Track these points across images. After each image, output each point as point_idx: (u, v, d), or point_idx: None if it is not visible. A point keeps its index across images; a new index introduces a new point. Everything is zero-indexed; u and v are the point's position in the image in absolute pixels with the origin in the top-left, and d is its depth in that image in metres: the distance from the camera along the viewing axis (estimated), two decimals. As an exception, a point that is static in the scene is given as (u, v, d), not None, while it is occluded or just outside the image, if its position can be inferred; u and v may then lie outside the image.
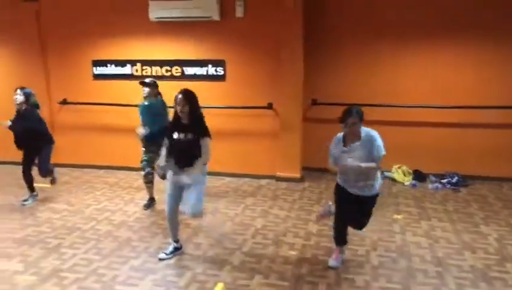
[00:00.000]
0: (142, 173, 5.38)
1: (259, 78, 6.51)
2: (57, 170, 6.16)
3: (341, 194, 3.82)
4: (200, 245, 4.43)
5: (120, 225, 5.00)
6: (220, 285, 3.65)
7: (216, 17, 6.28)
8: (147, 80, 5.34)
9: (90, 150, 7.36)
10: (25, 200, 5.70)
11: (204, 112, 3.95)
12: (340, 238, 3.95)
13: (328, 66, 6.71)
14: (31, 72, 7.21)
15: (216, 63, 6.61)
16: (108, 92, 7.06)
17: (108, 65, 7.00)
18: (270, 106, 6.47)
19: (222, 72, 6.61)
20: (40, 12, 7.03)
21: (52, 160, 5.90)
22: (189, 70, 6.72)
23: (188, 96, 3.77)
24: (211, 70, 6.64)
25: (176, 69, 6.76)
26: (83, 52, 7.08)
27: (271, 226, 4.91)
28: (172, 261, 4.11)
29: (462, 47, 6.29)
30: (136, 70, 6.92)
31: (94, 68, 7.08)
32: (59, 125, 7.35)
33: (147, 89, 5.26)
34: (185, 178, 3.83)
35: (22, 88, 5.45)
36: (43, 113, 7.19)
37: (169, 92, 6.65)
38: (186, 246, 4.35)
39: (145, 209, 5.46)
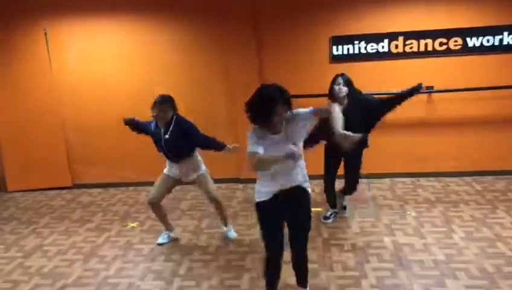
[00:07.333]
0: None
1: None
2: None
3: None
4: None
5: None
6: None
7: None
8: None
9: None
10: (326, 218, 4.29)
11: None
12: None
13: None
14: (240, 54, 5.07)
15: (515, 29, 5.07)
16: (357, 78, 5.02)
17: (356, 42, 5.11)
18: None
19: (524, 41, 5.05)
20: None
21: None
22: (474, 42, 5.06)
23: None
24: (507, 39, 5.05)
25: (455, 41, 5.07)
26: (315, 26, 5.17)
27: None
28: None
29: None
30: (396, 47, 5.10)
31: (334, 47, 5.12)
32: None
33: None
34: None
35: (342, 74, 3.84)
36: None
37: (447, 71, 5.04)
38: None
39: None
